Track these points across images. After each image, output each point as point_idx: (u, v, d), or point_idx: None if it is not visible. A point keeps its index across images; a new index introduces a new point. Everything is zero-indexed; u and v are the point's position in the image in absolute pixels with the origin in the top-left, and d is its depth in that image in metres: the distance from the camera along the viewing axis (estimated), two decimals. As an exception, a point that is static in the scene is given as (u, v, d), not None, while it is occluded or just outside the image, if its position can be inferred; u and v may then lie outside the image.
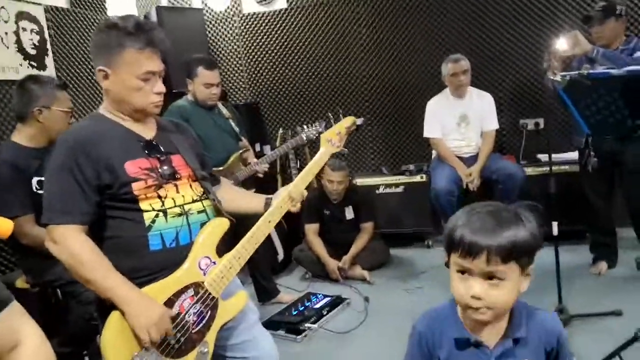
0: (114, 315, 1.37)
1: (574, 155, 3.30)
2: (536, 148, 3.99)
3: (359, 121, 1.91)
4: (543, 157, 3.79)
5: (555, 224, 2.54)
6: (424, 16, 4.19)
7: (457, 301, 1.07)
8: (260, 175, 3.10)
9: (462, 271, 1.03)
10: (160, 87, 1.52)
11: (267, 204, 1.67)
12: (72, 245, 1.38)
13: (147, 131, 1.57)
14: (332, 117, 1.88)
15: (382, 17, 4.29)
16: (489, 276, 1.00)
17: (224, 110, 3.09)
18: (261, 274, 3.16)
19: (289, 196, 1.66)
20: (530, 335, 1.08)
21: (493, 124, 3.58)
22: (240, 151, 3.07)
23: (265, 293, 3.18)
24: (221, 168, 2.93)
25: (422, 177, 3.95)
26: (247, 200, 1.77)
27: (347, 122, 1.84)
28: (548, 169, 2.69)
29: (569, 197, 3.13)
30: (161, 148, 1.55)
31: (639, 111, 1.76)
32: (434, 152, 3.77)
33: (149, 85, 1.49)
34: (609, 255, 3.16)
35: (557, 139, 3.93)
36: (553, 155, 2.72)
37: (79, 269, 1.38)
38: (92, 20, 3.84)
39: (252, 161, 3.11)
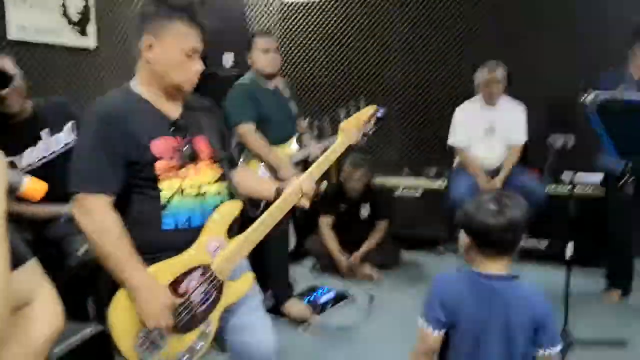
0: (121, 294, 1.43)
1: (597, 177, 3.22)
2: (563, 165, 3.90)
3: (380, 112, 1.79)
4: (567, 175, 3.70)
5: (570, 245, 2.50)
6: (467, 17, 4.16)
7: None
8: (311, 161, 2.94)
9: None
10: (200, 66, 1.53)
11: (278, 193, 1.65)
12: (104, 219, 1.40)
13: (174, 109, 1.57)
14: (353, 105, 1.78)
15: (424, 14, 4.29)
16: None
17: (286, 91, 3.05)
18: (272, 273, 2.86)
19: (299, 187, 1.63)
20: None
21: (521, 138, 3.50)
22: (298, 134, 3.03)
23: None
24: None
25: (441, 184, 3.95)
26: (258, 185, 1.76)
27: (368, 111, 1.77)
28: (570, 188, 2.63)
29: (588, 220, 3.06)
30: (186, 127, 1.56)
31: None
32: (456, 160, 3.73)
33: (190, 63, 1.51)
34: (624, 284, 3.09)
35: (584, 159, 3.83)
36: (578, 175, 2.66)
37: (103, 243, 1.40)
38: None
39: (312, 144, 2.99)
